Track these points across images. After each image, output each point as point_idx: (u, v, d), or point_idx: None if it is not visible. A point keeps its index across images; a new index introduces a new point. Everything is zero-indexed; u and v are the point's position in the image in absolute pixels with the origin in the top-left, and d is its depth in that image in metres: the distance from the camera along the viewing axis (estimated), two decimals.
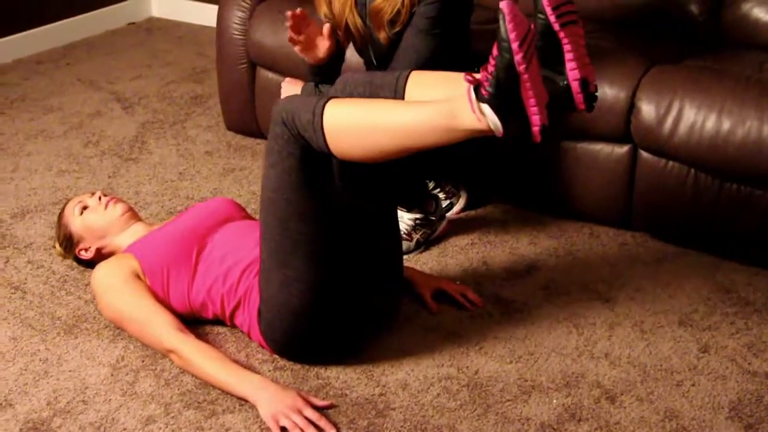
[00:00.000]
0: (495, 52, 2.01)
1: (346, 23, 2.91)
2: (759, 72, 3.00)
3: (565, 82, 2.15)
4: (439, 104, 2.14)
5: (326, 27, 2.73)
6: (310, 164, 2.29)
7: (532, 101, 2.02)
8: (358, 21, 2.89)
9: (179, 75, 4.56)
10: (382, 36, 2.84)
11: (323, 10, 2.94)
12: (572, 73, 2.14)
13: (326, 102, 2.23)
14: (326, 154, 2.24)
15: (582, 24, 2.17)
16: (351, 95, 2.41)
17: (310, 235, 2.33)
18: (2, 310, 2.72)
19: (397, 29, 2.81)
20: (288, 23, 2.76)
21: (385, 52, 2.87)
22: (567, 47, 2.13)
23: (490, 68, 2.02)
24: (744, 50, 3.21)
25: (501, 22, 1.96)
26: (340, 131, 2.21)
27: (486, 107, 2.04)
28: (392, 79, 2.39)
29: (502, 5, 1.96)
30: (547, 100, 2.06)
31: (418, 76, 2.39)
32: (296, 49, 2.82)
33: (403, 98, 2.34)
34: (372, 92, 2.39)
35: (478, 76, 2.06)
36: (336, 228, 2.38)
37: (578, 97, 2.16)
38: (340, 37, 2.95)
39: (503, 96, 2.02)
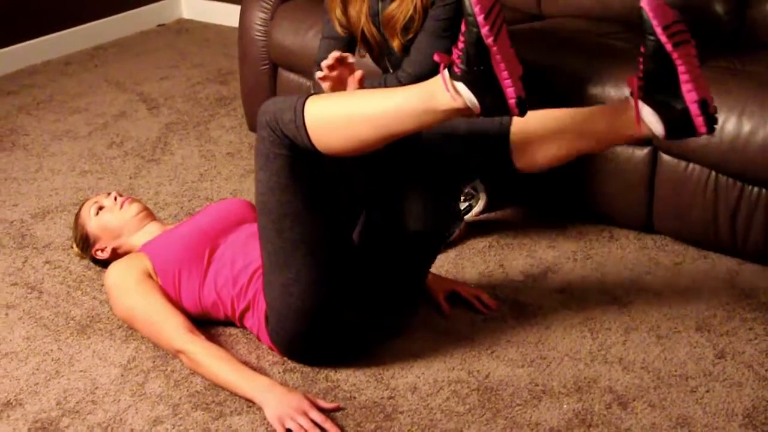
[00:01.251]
0: (463, 28, 2.00)
1: (362, 32, 2.89)
2: None
3: (683, 106, 2.08)
4: (415, 88, 2.14)
5: (359, 73, 2.67)
6: (299, 164, 2.28)
7: (505, 74, 2.00)
8: (374, 30, 2.87)
9: (205, 76, 4.58)
10: (396, 44, 2.83)
11: (336, 15, 2.91)
12: (689, 95, 2.07)
13: (306, 99, 2.22)
14: (312, 152, 2.23)
15: (694, 42, 2.09)
16: None
17: (306, 235, 2.32)
18: (18, 310, 2.74)
19: (411, 36, 2.79)
20: (330, 62, 2.68)
21: (400, 60, 2.86)
22: (681, 68, 2.06)
23: (460, 45, 2.01)
24: None
25: None
26: (321, 126, 2.20)
27: (460, 85, 2.03)
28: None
29: None
30: (521, 72, 2.03)
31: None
32: (325, 86, 2.76)
33: (508, 134, 2.32)
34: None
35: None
36: (334, 226, 2.37)
37: (698, 120, 2.08)
38: (359, 47, 2.93)
39: (476, 71, 2.00)
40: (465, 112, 2.08)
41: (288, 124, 2.22)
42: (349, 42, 2.94)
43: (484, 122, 2.36)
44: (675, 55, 2.04)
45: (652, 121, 2.12)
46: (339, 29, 2.92)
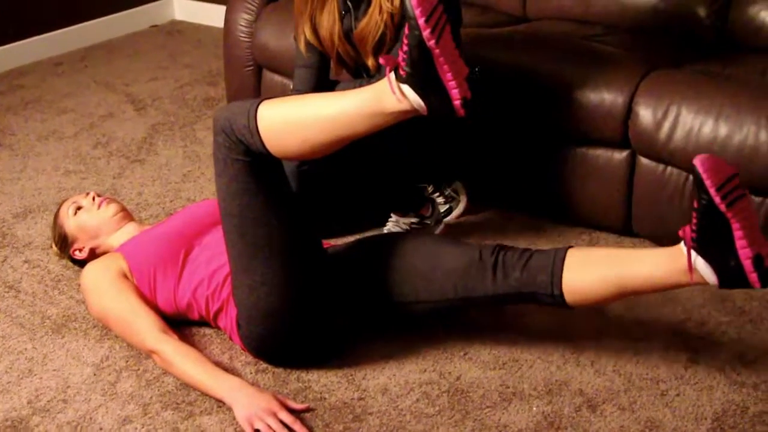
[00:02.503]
0: (406, 30, 2.01)
1: (338, 53, 2.86)
2: (762, 76, 2.96)
3: (736, 262, 2.07)
4: (363, 91, 2.15)
5: None
6: (255, 167, 2.30)
7: (449, 75, 2.01)
8: (348, 48, 2.83)
9: (195, 77, 4.58)
10: (371, 62, 2.80)
11: (306, 37, 2.87)
12: (743, 251, 2.06)
13: (259, 104, 2.23)
14: (268, 156, 2.24)
15: (749, 196, 2.09)
16: None
17: (267, 237, 2.33)
18: None
19: (385, 52, 2.77)
20: None
21: (374, 75, 2.84)
22: (736, 225, 2.04)
23: (404, 47, 2.02)
24: (750, 54, 3.16)
25: (406, 1, 1.97)
26: (274, 130, 2.21)
27: (406, 87, 2.05)
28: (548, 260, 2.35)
29: None
30: (466, 73, 2.05)
31: (578, 253, 2.35)
32: None
33: (561, 282, 2.31)
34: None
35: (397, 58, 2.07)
36: (295, 228, 2.38)
37: (752, 277, 2.07)
38: (333, 68, 2.93)
39: (420, 73, 2.02)
40: (412, 113, 2.10)
41: (242, 129, 2.23)
42: (322, 67, 2.92)
43: (537, 286, 2.34)
44: (729, 215, 2.03)
45: (705, 272, 2.12)
46: (305, 51, 2.89)
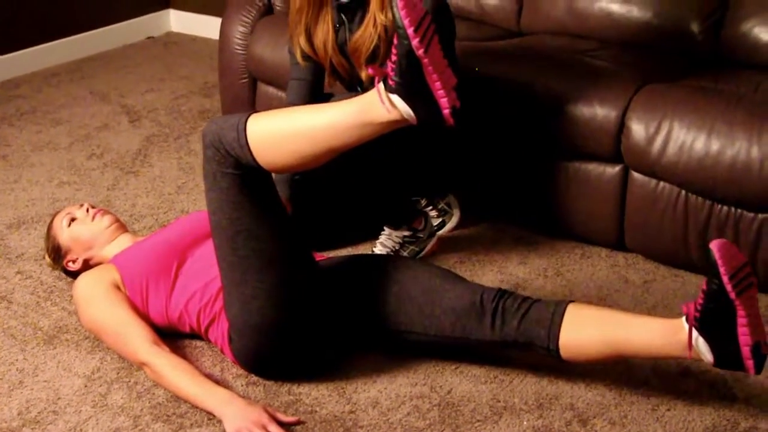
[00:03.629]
0: (395, 41, 2.02)
1: (331, 63, 2.88)
2: (754, 92, 2.97)
3: (736, 346, 2.13)
4: (352, 102, 2.16)
5: None
6: (245, 181, 2.30)
7: (438, 84, 2.02)
8: (342, 60, 2.86)
9: (190, 89, 4.59)
10: (364, 75, 2.81)
11: (302, 47, 2.88)
12: (744, 338, 2.12)
13: (248, 117, 2.24)
14: (258, 169, 2.25)
15: (757, 285, 2.13)
16: None
17: (259, 251, 2.33)
18: None
19: (379, 64, 2.78)
20: None
21: (367, 86, 2.84)
22: (741, 313, 2.10)
23: (393, 57, 2.03)
24: (743, 69, 3.17)
25: (395, 9, 1.98)
26: (264, 143, 2.21)
27: (395, 97, 2.05)
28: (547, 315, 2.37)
29: None
30: (455, 83, 2.05)
31: (577, 309, 2.38)
32: None
33: (558, 338, 2.34)
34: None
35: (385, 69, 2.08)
36: (287, 241, 2.38)
37: (748, 363, 2.14)
38: (328, 79, 2.94)
39: (409, 83, 2.03)
40: (401, 123, 2.11)
41: (231, 143, 2.24)
42: (316, 81, 2.94)
43: (534, 338, 2.37)
44: (737, 302, 2.09)
45: (703, 350, 2.17)
46: (303, 65, 2.90)
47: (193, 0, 5.44)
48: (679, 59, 3.27)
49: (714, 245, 2.08)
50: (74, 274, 2.87)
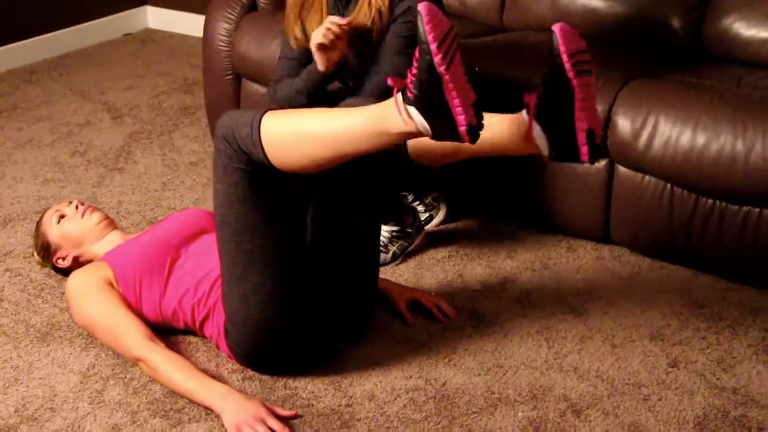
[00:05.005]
0: (417, 54, 2.02)
1: None
2: (737, 86, 3.01)
3: (572, 132, 2.15)
4: (369, 110, 2.16)
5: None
6: (256, 177, 2.31)
7: (456, 101, 2.02)
8: None
9: (170, 86, 4.59)
10: (351, 57, 2.84)
11: (295, 33, 2.93)
12: (580, 123, 2.14)
13: (263, 115, 2.25)
14: (269, 167, 2.26)
15: (595, 73, 2.17)
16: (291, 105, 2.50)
17: (263, 247, 2.34)
18: None
19: (366, 49, 2.81)
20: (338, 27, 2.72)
21: (359, 74, 2.88)
22: (578, 96, 2.13)
23: (414, 70, 2.03)
24: (724, 64, 3.22)
25: (419, 23, 1.98)
26: (277, 142, 2.23)
27: (413, 109, 2.06)
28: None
29: (420, 6, 1.98)
30: (474, 99, 2.06)
31: None
32: (318, 44, 2.74)
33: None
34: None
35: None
36: (291, 238, 2.40)
37: (583, 149, 2.16)
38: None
39: (428, 97, 2.03)
40: (416, 135, 2.11)
41: (245, 139, 2.25)
42: (306, 62, 2.95)
43: None
44: (575, 83, 2.11)
45: (541, 141, 2.20)
46: (296, 48, 2.93)
47: None
48: (662, 55, 3.31)
49: (556, 27, 2.09)
50: (64, 272, 2.88)
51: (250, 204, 2.33)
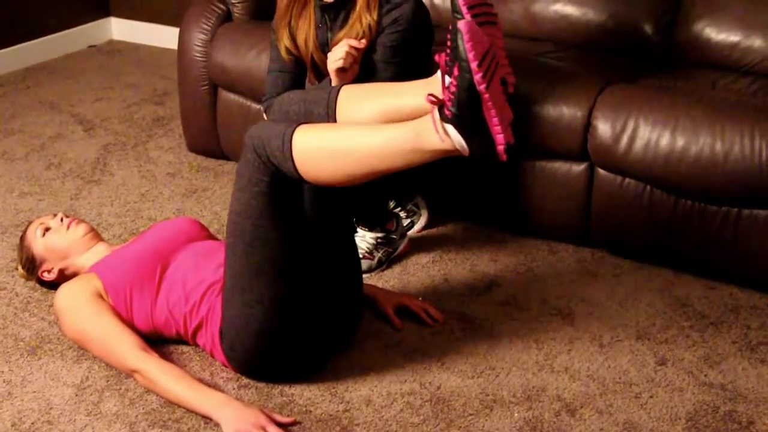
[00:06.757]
0: (456, 72, 2.02)
1: (312, 59, 2.92)
2: (712, 90, 3.08)
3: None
4: (405, 127, 2.16)
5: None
6: (279, 192, 2.32)
7: (495, 120, 2.02)
8: (323, 57, 2.89)
9: (140, 97, 4.57)
10: (333, 77, 2.85)
11: (285, 45, 2.93)
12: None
13: (295, 128, 2.25)
14: (295, 180, 2.27)
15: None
16: (287, 113, 2.49)
17: (274, 259, 2.36)
18: None
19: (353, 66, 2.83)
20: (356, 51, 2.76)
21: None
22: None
23: (452, 88, 2.03)
24: (697, 68, 3.29)
25: (459, 41, 1.98)
26: (308, 157, 2.23)
27: (450, 127, 2.05)
28: (324, 94, 2.45)
29: (460, 24, 1.98)
30: (511, 118, 2.05)
31: (349, 90, 2.45)
32: (342, 63, 2.75)
33: (335, 112, 2.40)
34: (306, 109, 2.46)
35: (441, 96, 2.08)
36: (299, 252, 2.41)
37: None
38: (309, 73, 2.97)
39: (466, 115, 2.02)
40: (452, 153, 2.10)
41: (275, 151, 2.25)
42: (298, 74, 2.97)
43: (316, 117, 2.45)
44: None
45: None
46: (287, 59, 2.94)
47: (134, 8, 5.42)
48: (637, 60, 3.37)
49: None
50: (49, 285, 2.87)
51: (268, 216, 2.33)
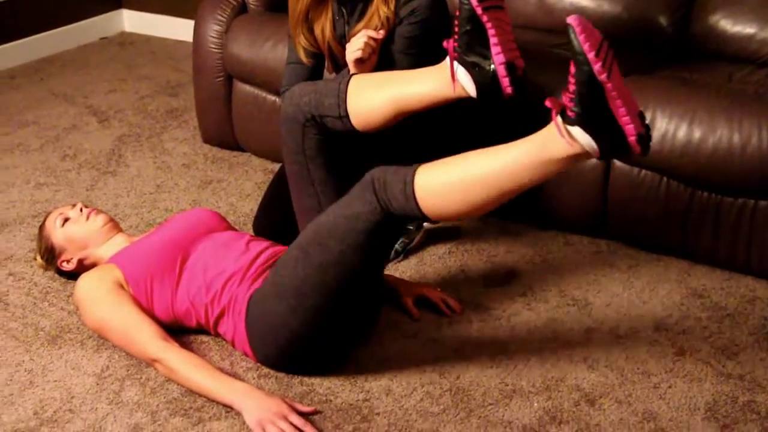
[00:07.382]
0: (572, 69, 1.95)
1: (330, 50, 2.93)
2: (728, 82, 3.08)
3: (492, 67, 2.17)
4: (528, 141, 2.10)
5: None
6: (381, 233, 2.30)
7: (622, 110, 1.94)
8: (340, 48, 2.89)
9: (154, 89, 4.59)
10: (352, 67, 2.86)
11: (302, 45, 2.92)
12: (497, 57, 2.16)
13: (416, 170, 2.22)
14: (417, 218, 2.26)
15: (507, 11, 2.22)
16: (298, 105, 2.51)
17: (342, 283, 2.34)
18: None
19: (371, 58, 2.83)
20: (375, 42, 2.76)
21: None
22: (491, 31, 2.15)
23: (571, 87, 1.96)
24: (712, 61, 3.29)
25: (572, 36, 1.93)
26: (433, 194, 2.20)
27: (576, 129, 1.98)
28: (335, 85, 2.47)
29: (570, 20, 1.93)
30: (638, 109, 1.97)
31: (359, 80, 2.47)
32: (360, 54, 2.74)
33: (345, 103, 2.43)
34: (317, 100, 2.48)
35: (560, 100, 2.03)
36: (370, 285, 2.46)
37: (504, 81, 2.17)
38: (327, 65, 2.98)
39: (591, 112, 1.95)
40: (583, 157, 2.03)
41: (397, 195, 2.23)
42: (315, 66, 2.98)
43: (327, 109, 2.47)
44: (485, 18, 2.15)
45: (465, 81, 2.23)
46: (303, 54, 2.93)
47: (145, 0, 5.43)
48: (651, 52, 3.37)
49: None
50: (68, 275, 2.88)
51: (361, 252, 2.31)
